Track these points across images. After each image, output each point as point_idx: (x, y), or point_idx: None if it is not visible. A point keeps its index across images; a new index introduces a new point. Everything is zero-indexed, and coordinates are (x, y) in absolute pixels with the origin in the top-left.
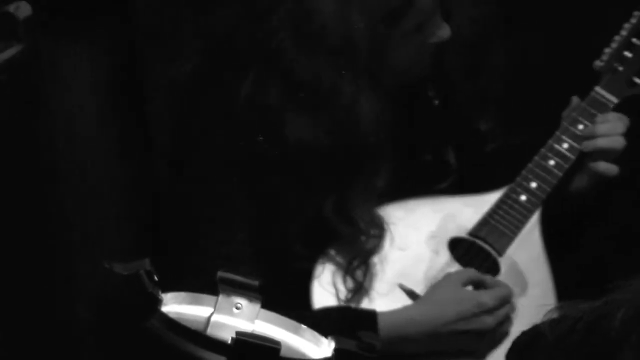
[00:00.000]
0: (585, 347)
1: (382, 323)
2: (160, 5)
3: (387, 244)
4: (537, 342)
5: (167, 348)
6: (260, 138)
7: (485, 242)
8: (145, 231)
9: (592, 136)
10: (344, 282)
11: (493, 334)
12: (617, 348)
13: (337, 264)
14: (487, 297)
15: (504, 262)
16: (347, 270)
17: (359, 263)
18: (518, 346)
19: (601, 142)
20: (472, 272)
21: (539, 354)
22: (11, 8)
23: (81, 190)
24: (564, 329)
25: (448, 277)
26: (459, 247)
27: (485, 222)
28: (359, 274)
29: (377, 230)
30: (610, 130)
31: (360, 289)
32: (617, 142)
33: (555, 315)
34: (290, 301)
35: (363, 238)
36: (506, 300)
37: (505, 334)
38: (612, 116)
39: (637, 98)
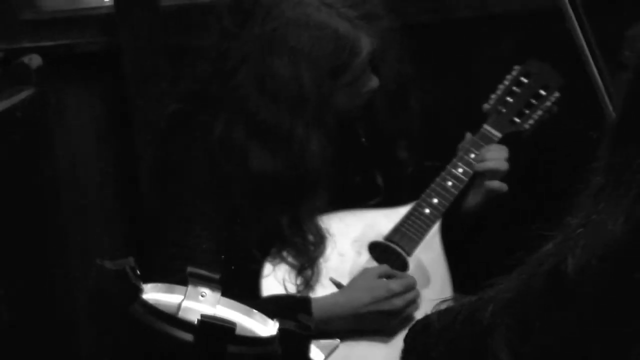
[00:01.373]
0: (464, 334)
1: (315, 307)
2: (146, 60)
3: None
4: (427, 329)
5: (146, 327)
6: (229, 167)
7: (397, 245)
8: (131, 237)
9: (483, 160)
10: (296, 279)
11: (402, 315)
12: (488, 334)
13: (291, 265)
14: (395, 285)
15: (411, 261)
16: (299, 271)
17: (308, 265)
18: (413, 331)
19: (490, 164)
20: (385, 267)
21: (428, 339)
22: (25, 59)
23: (81, 203)
24: (448, 319)
25: (366, 270)
26: (376, 249)
27: (398, 229)
28: (308, 273)
29: (321, 240)
30: (496, 155)
31: (309, 283)
32: (503, 164)
33: (442, 307)
34: (245, 292)
35: (311, 246)
36: (411, 288)
37: (411, 316)
38: (495, 146)
39: (517, 134)
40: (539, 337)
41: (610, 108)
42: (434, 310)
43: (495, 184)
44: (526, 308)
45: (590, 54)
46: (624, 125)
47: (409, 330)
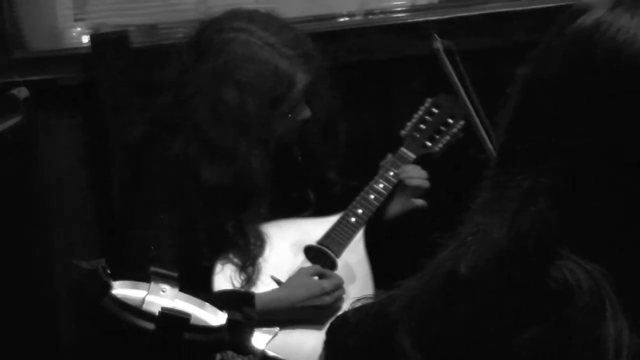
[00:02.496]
0: (375, 326)
1: (258, 301)
2: (119, 93)
3: (267, 250)
4: (345, 324)
5: (115, 318)
6: (185, 179)
7: (328, 248)
8: (105, 242)
9: (410, 177)
10: (240, 276)
11: (331, 309)
12: (395, 326)
13: (235, 264)
14: (326, 284)
15: (340, 262)
16: (241, 269)
17: (249, 264)
18: (332, 326)
19: (416, 182)
20: (317, 267)
21: (346, 333)
22: (15, 91)
23: (64, 214)
24: (362, 314)
25: (301, 270)
26: (310, 252)
27: (328, 235)
28: (250, 270)
29: (260, 242)
30: (421, 174)
31: (250, 281)
32: (426, 183)
33: (358, 304)
34: (199, 288)
35: (252, 247)
36: (339, 286)
37: (339, 309)
38: (412, 166)
39: (428, 155)
40: (437, 328)
41: (487, 138)
42: (350, 308)
43: (419, 201)
44: (427, 303)
45: (466, 93)
46: (504, 150)
47: (330, 324)
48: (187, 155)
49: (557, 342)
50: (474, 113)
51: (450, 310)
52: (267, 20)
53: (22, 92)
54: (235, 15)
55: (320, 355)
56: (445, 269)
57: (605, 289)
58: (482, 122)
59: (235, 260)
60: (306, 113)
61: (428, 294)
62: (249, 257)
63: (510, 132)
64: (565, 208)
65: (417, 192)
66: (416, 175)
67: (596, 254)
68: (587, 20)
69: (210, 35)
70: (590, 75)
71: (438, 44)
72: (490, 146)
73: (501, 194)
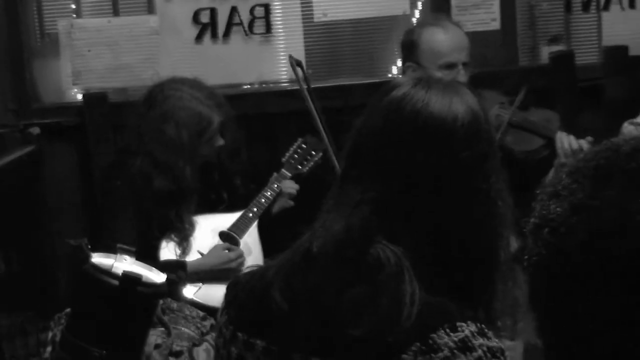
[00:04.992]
0: (258, 285)
1: (188, 266)
2: (100, 132)
3: (195, 233)
4: (239, 282)
5: (92, 278)
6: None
7: (234, 232)
8: (88, 230)
9: (287, 187)
10: (177, 249)
11: (235, 270)
12: (270, 286)
13: (175, 242)
14: (232, 254)
15: (242, 242)
16: (179, 244)
17: (184, 241)
18: (231, 283)
19: (291, 190)
20: (227, 244)
21: (239, 288)
22: (31, 130)
23: (62, 212)
24: (250, 276)
25: (216, 246)
26: (223, 235)
27: (235, 224)
28: (184, 245)
29: (191, 227)
30: (293, 186)
31: (184, 253)
32: (294, 191)
33: (250, 270)
34: (149, 258)
35: (186, 230)
36: (240, 256)
37: (240, 271)
38: (289, 181)
39: (299, 174)
40: (297, 286)
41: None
42: (244, 272)
43: (290, 202)
44: (291, 270)
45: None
46: (344, 173)
47: (229, 282)
48: (143, 171)
49: (372, 296)
50: (327, 143)
51: (306, 275)
52: (194, 83)
53: (35, 130)
54: (173, 80)
55: (223, 301)
56: (304, 247)
57: (404, 263)
58: (333, 152)
59: (175, 239)
60: (220, 141)
61: (292, 264)
62: (184, 236)
63: (347, 162)
64: (380, 212)
65: (291, 197)
66: (291, 187)
67: (399, 241)
68: (398, 92)
69: (157, 93)
70: (398, 128)
71: (292, 62)
72: (337, 169)
73: (341, 201)
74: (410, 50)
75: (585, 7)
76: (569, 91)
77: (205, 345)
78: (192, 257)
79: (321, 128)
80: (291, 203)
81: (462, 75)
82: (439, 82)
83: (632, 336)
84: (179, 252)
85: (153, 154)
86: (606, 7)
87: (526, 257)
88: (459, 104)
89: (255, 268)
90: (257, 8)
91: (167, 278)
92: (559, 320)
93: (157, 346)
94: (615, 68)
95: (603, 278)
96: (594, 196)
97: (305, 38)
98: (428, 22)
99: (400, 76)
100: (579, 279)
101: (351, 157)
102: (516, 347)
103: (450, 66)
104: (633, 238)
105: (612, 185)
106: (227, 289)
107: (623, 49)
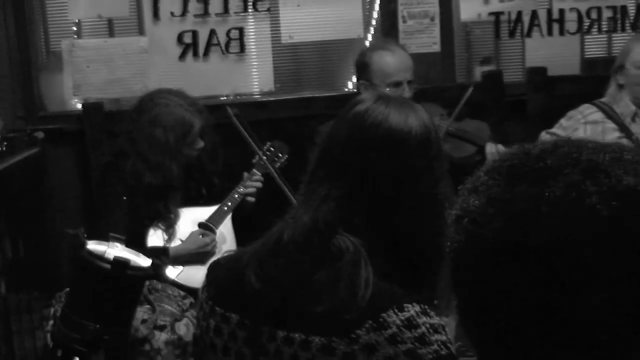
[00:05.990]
0: (234, 266)
1: (170, 252)
2: (97, 137)
3: (178, 223)
4: (218, 264)
5: (87, 262)
6: (133, 183)
7: (211, 223)
8: (86, 221)
9: (256, 183)
10: (164, 236)
11: (211, 254)
12: (245, 268)
13: (162, 229)
14: (208, 240)
15: (218, 231)
16: (165, 232)
17: (170, 229)
18: (211, 266)
19: (259, 186)
20: (201, 230)
21: (218, 270)
22: (36, 134)
23: (65, 207)
24: (228, 259)
25: (194, 233)
26: (202, 225)
27: (212, 216)
28: (170, 232)
29: (176, 217)
30: (259, 184)
31: (170, 240)
32: (260, 186)
33: (227, 254)
34: (138, 245)
35: (172, 219)
36: (213, 240)
37: (214, 255)
38: (259, 177)
39: (267, 173)
40: (267, 269)
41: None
42: (222, 256)
43: (252, 198)
44: (264, 255)
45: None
46: (312, 173)
47: (209, 265)
48: (135, 169)
49: (333, 279)
50: (270, 168)
51: (276, 259)
52: (178, 93)
53: (40, 134)
54: (160, 91)
55: (204, 280)
56: (275, 236)
57: (361, 252)
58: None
59: (162, 227)
60: (200, 144)
61: (265, 249)
62: (170, 224)
63: (315, 164)
64: (343, 208)
65: (259, 192)
66: (258, 180)
67: (358, 233)
68: (361, 107)
69: (146, 101)
70: (361, 137)
71: (230, 112)
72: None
73: (309, 197)
74: (362, 70)
75: (512, 34)
76: (497, 105)
77: (185, 320)
78: (176, 243)
79: (261, 155)
80: (252, 199)
81: (407, 92)
82: (396, 99)
83: (543, 310)
84: (165, 237)
85: (144, 154)
86: (529, 34)
87: (448, 243)
88: (413, 119)
89: (231, 253)
90: (233, 31)
91: (152, 262)
92: (476, 298)
93: (143, 321)
94: (536, 86)
95: (517, 260)
96: (508, 191)
97: (273, 57)
98: (378, 45)
99: (355, 91)
100: (493, 262)
101: (319, 160)
102: (449, 322)
103: (397, 84)
104: (539, 225)
105: (523, 181)
106: (208, 270)
107: (543, 69)
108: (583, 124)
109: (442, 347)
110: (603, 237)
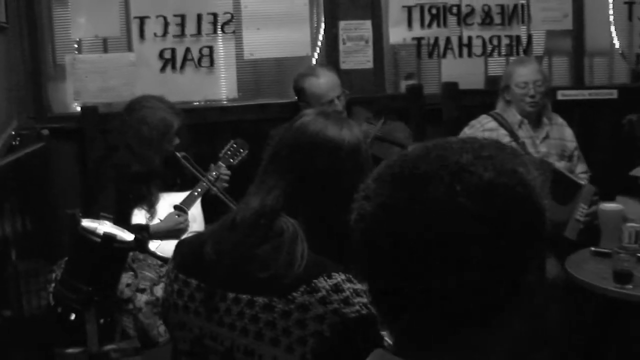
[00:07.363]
0: (195, 243)
1: (151, 229)
2: (93, 135)
3: (158, 205)
4: (184, 241)
5: (82, 237)
6: (122, 170)
7: (184, 205)
8: (82, 203)
9: (222, 174)
10: (146, 215)
11: (183, 231)
12: (205, 243)
13: (144, 209)
14: (181, 219)
15: (189, 212)
16: (147, 211)
17: (152, 209)
18: (178, 242)
19: (225, 177)
20: (177, 212)
21: (184, 245)
22: (42, 132)
23: (64, 194)
24: (192, 238)
25: (170, 214)
26: (177, 207)
27: (185, 200)
28: (152, 211)
29: (157, 199)
30: (227, 173)
31: (151, 219)
32: (227, 177)
33: (193, 233)
34: (124, 222)
35: (153, 201)
36: (186, 219)
37: (186, 232)
38: (224, 168)
39: (231, 165)
40: (222, 243)
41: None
42: (189, 235)
43: (225, 184)
44: (220, 232)
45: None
46: (264, 167)
47: (177, 242)
48: (123, 159)
49: (275, 252)
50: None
51: (230, 235)
52: (160, 98)
53: (45, 132)
54: (145, 96)
55: (173, 253)
56: (231, 217)
57: (299, 231)
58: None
59: (145, 207)
60: (177, 140)
61: (221, 227)
62: (151, 204)
63: (267, 160)
64: (286, 196)
65: (225, 181)
66: (225, 174)
67: (297, 216)
68: (306, 119)
69: (134, 104)
70: (304, 142)
71: (178, 155)
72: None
73: (260, 187)
74: (300, 94)
75: (430, 55)
76: (418, 112)
77: (162, 284)
78: (155, 222)
79: (206, 181)
80: (224, 185)
81: (339, 105)
82: (335, 115)
83: (422, 287)
84: (147, 216)
85: (131, 146)
86: (444, 55)
87: (352, 240)
88: (347, 131)
89: (196, 233)
90: (204, 48)
91: (135, 237)
92: (379, 283)
93: (127, 285)
94: (450, 97)
95: (404, 252)
96: (393, 196)
97: (237, 70)
98: (308, 72)
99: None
100: (387, 256)
101: (271, 157)
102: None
103: (330, 102)
104: (418, 223)
105: (404, 187)
106: (176, 246)
107: (455, 84)
108: (482, 131)
109: (364, 307)
110: (470, 229)
